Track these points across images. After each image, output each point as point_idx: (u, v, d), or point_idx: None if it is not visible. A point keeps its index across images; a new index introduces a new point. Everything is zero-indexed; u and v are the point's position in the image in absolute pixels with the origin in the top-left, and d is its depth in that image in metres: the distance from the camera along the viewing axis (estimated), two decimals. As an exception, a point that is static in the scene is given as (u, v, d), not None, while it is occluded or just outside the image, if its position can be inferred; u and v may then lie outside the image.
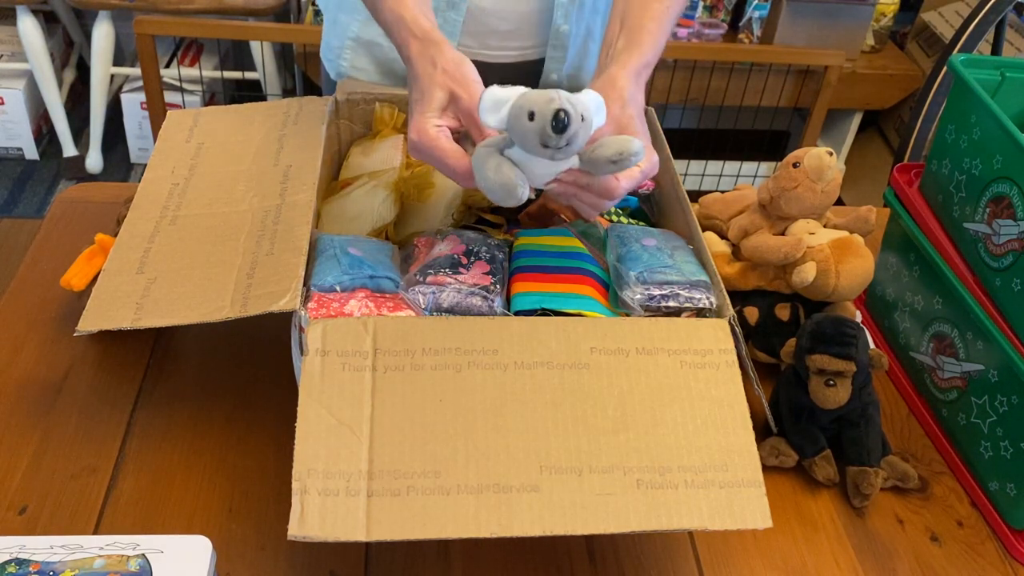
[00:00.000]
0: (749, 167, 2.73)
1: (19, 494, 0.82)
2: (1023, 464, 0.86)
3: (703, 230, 1.07)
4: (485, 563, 0.81)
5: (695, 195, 1.01)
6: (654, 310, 0.80)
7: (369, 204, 0.93)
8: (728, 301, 0.80)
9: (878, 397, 0.94)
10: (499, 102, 0.73)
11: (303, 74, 2.50)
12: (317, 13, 2.46)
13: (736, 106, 2.58)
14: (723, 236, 1.06)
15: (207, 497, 0.83)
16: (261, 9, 2.45)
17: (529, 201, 0.98)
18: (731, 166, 2.73)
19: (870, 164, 2.80)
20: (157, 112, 2.33)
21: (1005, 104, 0.93)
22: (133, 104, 2.66)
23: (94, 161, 2.72)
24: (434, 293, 0.79)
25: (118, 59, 2.69)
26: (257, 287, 0.77)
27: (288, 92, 2.82)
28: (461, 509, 0.67)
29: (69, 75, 2.85)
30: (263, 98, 2.59)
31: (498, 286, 0.81)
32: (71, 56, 2.91)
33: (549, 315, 0.79)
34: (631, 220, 0.97)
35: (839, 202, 1.03)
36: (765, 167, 2.74)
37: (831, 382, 0.87)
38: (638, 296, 0.80)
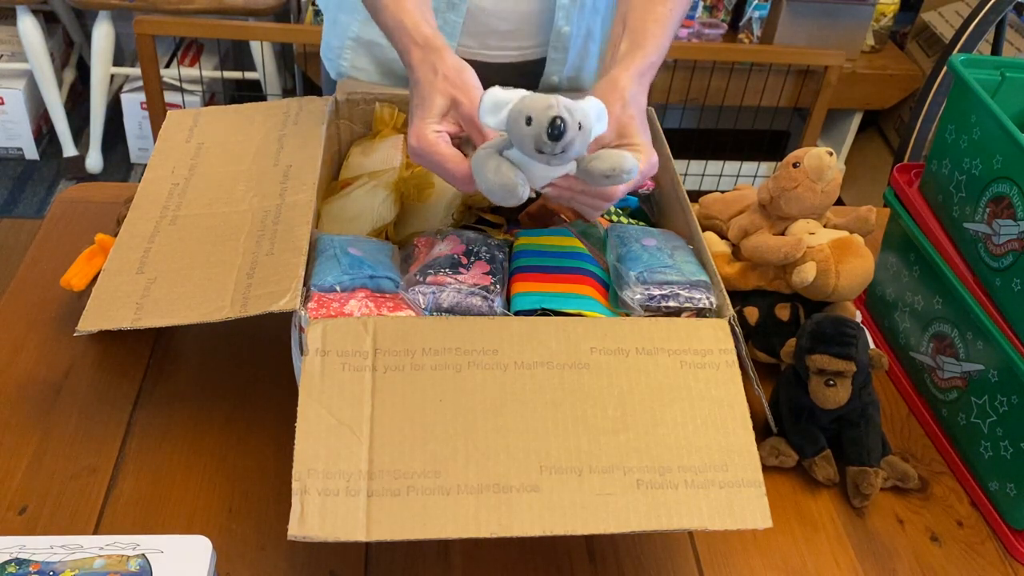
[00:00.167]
0: (749, 167, 2.73)
1: (19, 494, 0.82)
2: (1023, 464, 0.86)
3: (703, 230, 1.07)
4: (485, 563, 0.81)
5: (695, 195, 1.01)
6: (654, 310, 0.80)
7: (369, 204, 0.93)
8: (728, 301, 0.80)
9: (878, 397, 0.94)
10: (499, 104, 0.73)
11: (303, 74, 2.50)
12: (317, 13, 2.46)
13: (736, 106, 2.58)
14: (723, 236, 1.06)
15: (207, 497, 0.83)
16: (261, 9, 2.45)
17: (529, 201, 0.98)
18: (731, 166, 2.73)
19: (870, 164, 2.80)
20: (157, 112, 2.33)
21: (1005, 104, 0.93)
22: (133, 104, 2.66)
23: (94, 161, 2.72)
24: (434, 293, 0.79)
25: (118, 59, 2.69)
26: (257, 287, 0.77)
27: (288, 92, 2.82)
28: (461, 509, 0.67)
29: (69, 75, 2.85)
30: (263, 98, 2.59)
31: (498, 286, 0.81)
32: (71, 56, 2.91)
33: (549, 315, 0.79)
34: (631, 220, 0.97)
35: (839, 202, 1.03)
36: (765, 167, 2.74)
37: (831, 382, 0.87)
38: (638, 296, 0.80)
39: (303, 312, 0.74)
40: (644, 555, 0.83)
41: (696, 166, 2.72)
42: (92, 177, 2.73)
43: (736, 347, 0.76)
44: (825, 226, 1.00)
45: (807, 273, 0.93)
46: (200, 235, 0.85)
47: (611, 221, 0.95)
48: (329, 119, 0.98)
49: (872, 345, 0.95)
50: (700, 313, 0.81)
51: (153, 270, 0.82)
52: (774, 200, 0.98)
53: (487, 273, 0.82)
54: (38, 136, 2.78)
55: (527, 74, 1.11)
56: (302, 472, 0.67)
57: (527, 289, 0.81)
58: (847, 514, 0.89)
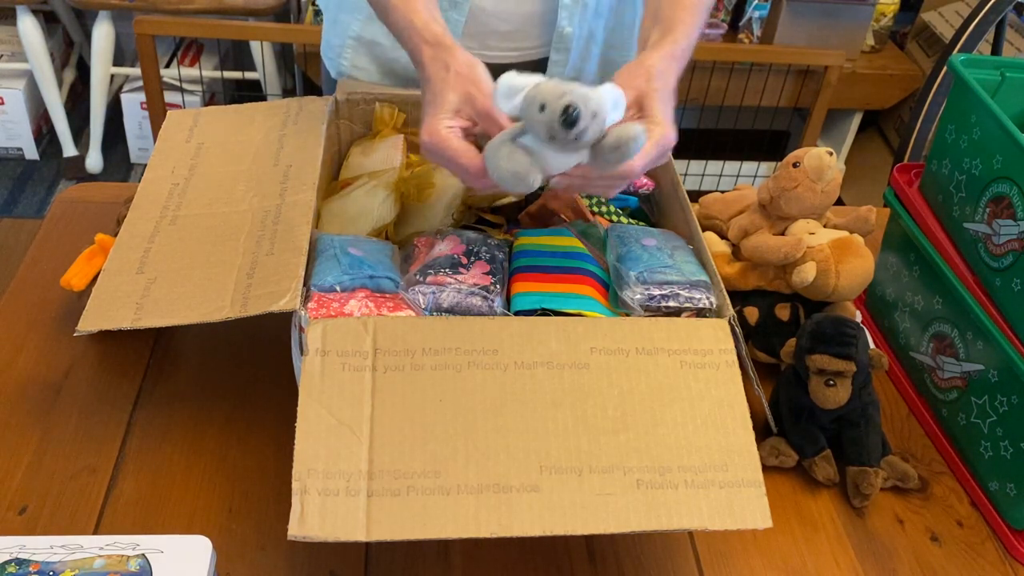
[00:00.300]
0: (749, 167, 2.73)
1: (19, 494, 0.82)
2: (1023, 464, 0.86)
3: (703, 230, 1.07)
4: (485, 563, 0.81)
5: (695, 195, 1.01)
6: (654, 310, 0.80)
7: (369, 204, 0.93)
8: (728, 301, 0.80)
9: (878, 397, 0.94)
10: (514, 89, 0.73)
11: (303, 74, 2.50)
12: (317, 13, 2.46)
13: (736, 106, 2.58)
14: (723, 236, 1.06)
15: (207, 497, 0.83)
16: (261, 9, 2.45)
17: (529, 201, 0.99)
18: (731, 166, 2.73)
19: (870, 164, 2.80)
20: (157, 112, 2.33)
21: (1005, 104, 0.93)
22: (133, 104, 2.66)
23: (94, 161, 2.72)
24: (434, 293, 0.79)
25: (118, 59, 2.69)
26: (257, 287, 0.77)
27: (288, 92, 2.82)
28: (461, 509, 0.67)
29: (69, 75, 2.85)
30: (263, 98, 2.59)
31: (498, 286, 0.81)
32: (71, 56, 2.91)
33: (549, 315, 0.79)
34: (631, 220, 0.97)
35: (839, 202, 1.03)
36: (765, 167, 2.74)
37: (831, 382, 0.87)
38: (638, 296, 0.80)
39: (303, 312, 0.74)
40: (644, 555, 0.83)
41: (696, 166, 2.72)
42: (92, 177, 2.73)
43: (736, 347, 0.76)
44: (825, 226, 1.00)
45: (807, 273, 0.93)
46: (200, 235, 0.85)
47: (611, 221, 0.95)
48: (329, 119, 0.98)
49: (872, 345, 0.95)
50: (700, 313, 0.81)
51: (153, 270, 0.82)
52: (774, 200, 0.98)
53: (487, 273, 0.82)
54: (38, 136, 2.78)
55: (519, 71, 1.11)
56: (302, 472, 0.67)
57: (527, 289, 0.81)
58: (847, 514, 0.89)
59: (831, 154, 0.96)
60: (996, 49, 2.06)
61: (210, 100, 2.72)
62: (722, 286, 0.82)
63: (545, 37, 1.09)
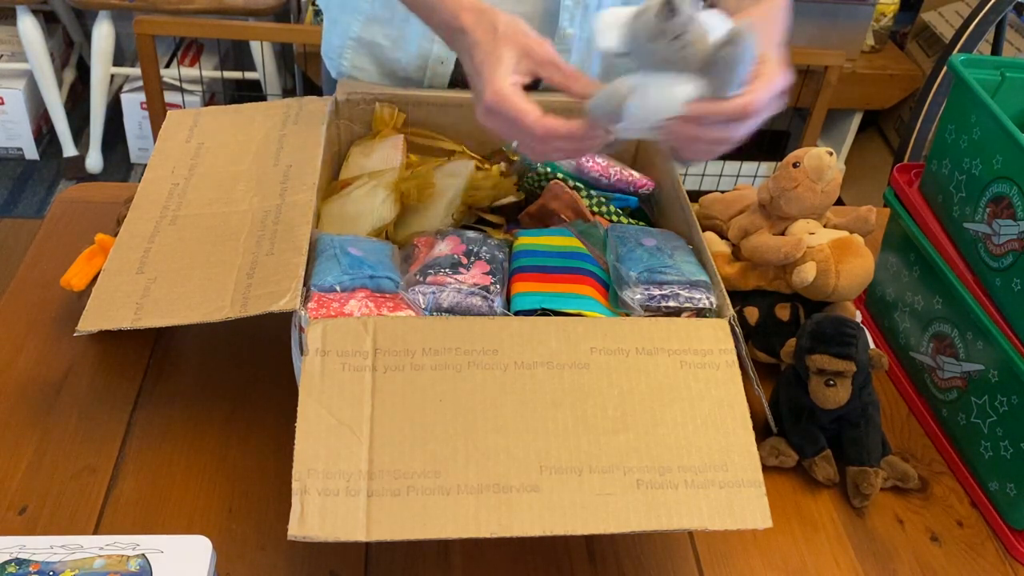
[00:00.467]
0: (749, 167, 2.73)
1: (19, 494, 0.82)
2: (1023, 464, 0.86)
3: (703, 230, 1.07)
4: (485, 563, 0.81)
5: (695, 195, 1.01)
6: (654, 310, 0.80)
7: (369, 204, 0.93)
8: (728, 301, 0.80)
9: (878, 397, 0.94)
10: (612, 22, 0.70)
11: (303, 74, 2.50)
12: (317, 13, 2.46)
13: (736, 106, 2.58)
14: (723, 236, 1.06)
15: (207, 497, 0.83)
16: (261, 9, 2.45)
17: (529, 201, 0.99)
18: (731, 166, 2.73)
19: (870, 164, 2.80)
20: (157, 112, 2.33)
21: (1005, 104, 0.93)
22: (133, 104, 2.66)
23: (94, 161, 2.72)
24: (434, 293, 0.79)
25: (118, 59, 2.69)
26: (257, 287, 0.77)
27: (288, 92, 2.82)
28: (461, 509, 0.67)
29: (69, 75, 2.85)
30: (263, 98, 2.59)
31: (498, 286, 0.81)
32: (71, 56, 2.91)
33: (549, 315, 0.78)
34: (631, 220, 0.97)
35: (839, 202, 1.03)
36: (765, 167, 2.74)
37: (831, 382, 0.87)
38: (638, 296, 0.80)
39: (303, 312, 0.74)
40: (644, 555, 0.83)
41: (696, 166, 2.72)
42: (92, 177, 2.73)
43: (736, 347, 0.76)
44: (825, 226, 1.00)
45: (807, 273, 0.93)
46: (200, 235, 0.85)
47: (611, 221, 0.95)
48: (329, 119, 0.98)
49: (872, 345, 0.95)
50: (700, 313, 0.81)
51: (153, 270, 0.82)
52: (774, 200, 0.98)
53: (487, 273, 0.82)
54: (38, 136, 2.78)
55: None
56: (302, 472, 0.67)
57: (527, 289, 0.81)
58: (847, 514, 0.89)
59: (831, 154, 0.96)
60: (996, 49, 2.06)
61: (210, 100, 2.72)
62: (722, 286, 0.82)
63: (545, 36, 1.09)
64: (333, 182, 1.00)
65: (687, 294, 0.81)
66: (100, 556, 0.64)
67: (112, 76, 2.62)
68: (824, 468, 0.90)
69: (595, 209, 0.95)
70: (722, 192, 1.10)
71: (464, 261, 0.82)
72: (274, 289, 0.76)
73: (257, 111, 1.01)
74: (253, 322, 0.75)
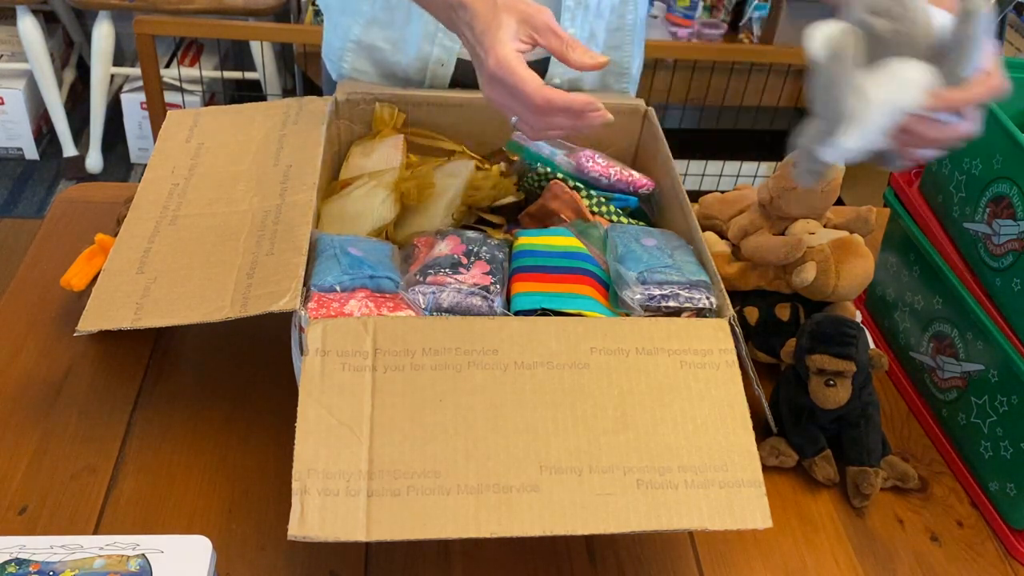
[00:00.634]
0: (749, 167, 2.73)
1: (19, 494, 0.82)
2: (1023, 464, 0.86)
3: (703, 230, 1.07)
4: (485, 563, 0.81)
5: (695, 195, 1.01)
6: (654, 310, 0.80)
7: (369, 204, 0.93)
8: (728, 301, 0.80)
9: (878, 397, 0.94)
10: (827, 35, 0.66)
11: (303, 74, 2.50)
12: (317, 13, 2.46)
13: (736, 106, 2.58)
14: (723, 236, 1.06)
15: (207, 497, 0.83)
16: (261, 9, 2.45)
17: (529, 201, 0.99)
18: (731, 166, 2.73)
19: (870, 164, 2.80)
20: (157, 112, 2.33)
21: (1005, 104, 0.93)
22: (133, 104, 2.66)
23: (94, 161, 2.72)
24: (434, 293, 0.79)
25: (118, 59, 2.69)
26: (257, 287, 0.77)
27: (288, 92, 2.82)
28: (461, 509, 0.67)
29: (69, 75, 2.85)
30: (263, 98, 2.59)
31: (498, 286, 0.81)
32: (71, 56, 2.91)
33: (549, 315, 0.78)
34: (631, 220, 0.97)
35: (839, 202, 1.03)
36: (765, 167, 2.74)
37: (831, 382, 0.87)
38: (638, 296, 0.80)
39: (303, 312, 0.74)
40: (644, 555, 0.83)
41: (696, 166, 2.72)
42: (92, 177, 2.73)
43: (736, 347, 0.76)
44: (825, 226, 1.00)
45: (807, 273, 0.93)
46: (200, 235, 0.85)
47: (611, 221, 0.95)
48: (329, 119, 0.98)
49: (872, 345, 0.95)
50: (700, 313, 0.81)
51: (153, 270, 0.82)
52: (774, 200, 0.98)
53: (487, 273, 0.82)
54: (38, 136, 2.78)
55: None
56: (302, 472, 0.67)
57: (527, 289, 0.81)
58: (847, 514, 0.89)
59: None
60: (996, 49, 2.06)
61: (210, 100, 2.72)
62: (722, 286, 0.82)
63: None
64: (333, 182, 1.00)
65: (687, 294, 0.81)
66: (100, 556, 0.64)
67: (112, 76, 2.62)
68: (824, 468, 0.90)
69: (595, 209, 0.95)
70: (722, 192, 1.10)
71: (464, 261, 0.82)
72: (274, 289, 0.76)
73: (257, 111, 1.01)
74: (253, 322, 0.75)
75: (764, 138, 2.78)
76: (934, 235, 0.98)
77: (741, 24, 2.59)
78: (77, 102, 2.89)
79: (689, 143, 2.74)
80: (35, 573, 0.63)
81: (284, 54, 2.75)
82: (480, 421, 0.70)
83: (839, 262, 0.94)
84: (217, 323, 0.75)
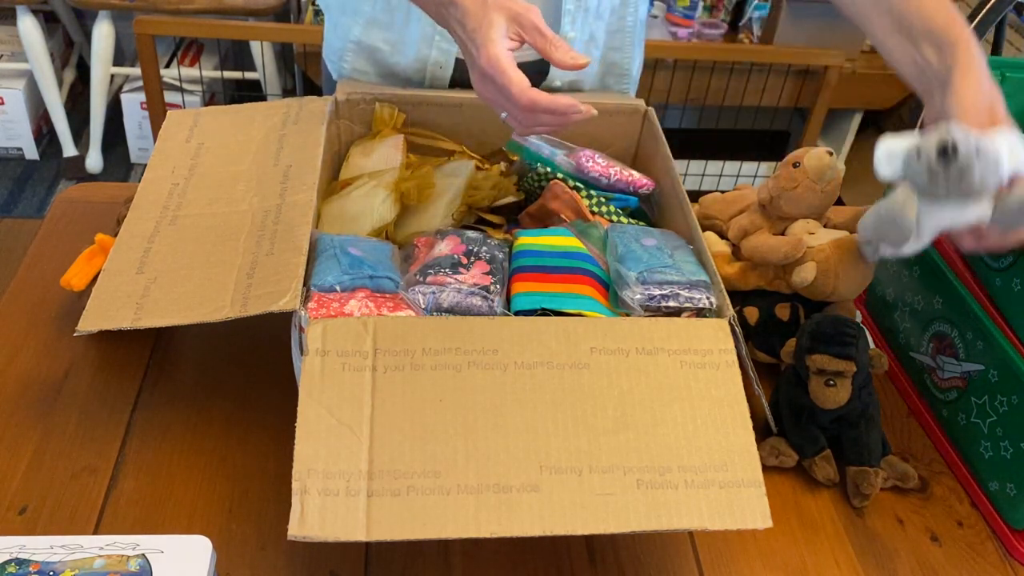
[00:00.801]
0: (749, 167, 2.73)
1: (19, 494, 0.82)
2: (1023, 464, 0.86)
3: (703, 230, 1.07)
4: (485, 563, 0.81)
5: (695, 195, 1.01)
6: (654, 310, 0.80)
7: (369, 204, 0.93)
8: (728, 301, 0.80)
9: (878, 397, 0.94)
10: (893, 152, 0.71)
11: (303, 74, 2.50)
12: (317, 13, 2.46)
13: (736, 106, 2.58)
14: (723, 236, 1.06)
15: (207, 497, 0.83)
16: (261, 9, 2.45)
17: (529, 201, 0.99)
18: (731, 166, 2.73)
19: (870, 164, 2.80)
20: (157, 112, 2.33)
21: (1005, 104, 0.93)
22: (133, 104, 2.66)
23: (94, 161, 2.72)
24: (434, 293, 0.79)
25: (118, 59, 2.69)
26: (257, 287, 0.77)
27: (288, 92, 2.82)
28: (461, 509, 0.67)
29: (69, 75, 2.85)
30: (263, 98, 2.59)
31: (498, 286, 0.81)
32: (71, 56, 2.91)
33: (549, 315, 0.79)
34: (631, 220, 0.97)
35: (839, 202, 1.03)
36: (765, 167, 2.74)
37: (831, 382, 0.87)
38: (638, 296, 0.80)
39: (303, 312, 0.74)
40: (644, 555, 0.83)
41: (696, 166, 2.72)
42: (92, 177, 2.73)
43: (736, 347, 0.76)
44: (825, 226, 1.00)
45: (807, 273, 0.93)
46: (200, 235, 0.85)
47: (611, 221, 0.95)
48: (329, 119, 0.98)
49: (872, 345, 0.95)
50: (700, 313, 0.81)
51: (153, 270, 0.82)
52: (774, 200, 0.98)
53: (487, 273, 0.82)
54: (38, 136, 2.78)
55: (526, 73, 1.11)
56: (302, 472, 0.67)
57: (527, 289, 0.81)
58: (847, 514, 0.89)
59: (831, 154, 0.96)
60: (996, 49, 2.06)
61: (210, 100, 2.73)
62: (722, 286, 0.82)
63: None
64: (333, 182, 1.00)
65: (687, 294, 0.81)
66: (100, 556, 0.64)
67: (112, 76, 2.62)
68: (824, 468, 0.90)
69: (595, 209, 0.95)
70: (722, 192, 1.10)
71: (464, 261, 0.82)
72: (274, 289, 0.76)
73: (257, 111, 1.01)
74: (253, 322, 0.75)
75: (764, 138, 2.78)
76: (934, 235, 0.98)
77: (741, 24, 2.59)
78: (77, 102, 2.89)
79: (689, 143, 2.74)
80: (35, 573, 0.63)
81: (284, 54, 2.76)
82: (480, 421, 0.70)
83: (839, 262, 0.94)
84: (217, 323, 0.75)
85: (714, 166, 2.73)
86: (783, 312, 0.99)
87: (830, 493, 0.91)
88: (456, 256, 0.83)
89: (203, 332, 0.99)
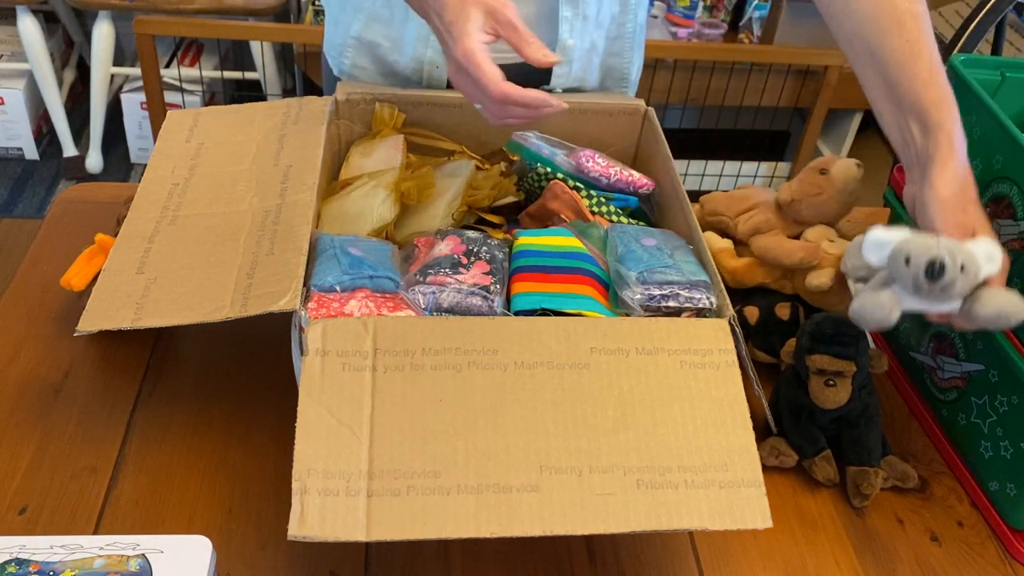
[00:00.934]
0: (749, 167, 2.73)
1: (19, 494, 0.82)
2: (1023, 464, 0.86)
3: (709, 226, 1.07)
4: (485, 563, 0.81)
5: (695, 195, 1.01)
6: (654, 310, 0.80)
7: (369, 204, 0.93)
8: (728, 301, 0.80)
9: (878, 397, 0.94)
10: (882, 243, 0.76)
11: (303, 74, 2.50)
12: (317, 13, 2.46)
13: (736, 106, 2.58)
14: (726, 234, 1.06)
15: (207, 497, 0.83)
16: (261, 9, 2.45)
17: (529, 201, 0.99)
18: (731, 166, 2.73)
19: (870, 164, 2.79)
20: (157, 112, 2.33)
21: (1005, 104, 0.93)
22: (133, 104, 2.66)
23: (94, 161, 2.72)
24: (434, 293, 0.79)
25: (118, 59, 2.69)
26: (257, 287, 0.77)
27: (288, 92, 2.82)
28: (461, 509, 0.67)
29: (69, 75, 2.85)
30: (263, 98, 2.59)
31: (498, 286, 0.81)
32: (71, 56, 2.91)
33: (549, 315, 0.78)
34: (631, 220, 0.97)
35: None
36: (765, 167, 2.74)
37: (831, 382, 0.87)
38: (638, 296, 0.80)
39: (303, 312, 0.74)
40: (644, 555, 0.83)
41: (696, 166, 2.72)
42: (92, 177, 2.73)
43: (736, 347, 0.76)
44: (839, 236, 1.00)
45: (825, 279, 0.93)
46: (200, 235, 0.85)
47: (611, 221, 0.95)
48: (329, 119, 0.98)
49: (872, 345, 0.95)
50: (700, 313, 0.81)
51: (153, 270, 0.82)
52: (794, 203, 0.98)
53: (487, 273, 0.82)
54: (38, 136, 2.78)
55: (526, 75, 1.11)
56: (302, 472, 0.67)
57: (527, 289, 0.81)
58: (847, 514, 0.89)
59: (859, 166, 0.96)
60: (996, 49, 2.06)
61: (210, 100, 2.73)
62: (722, 286, 0.82)
63: (542, 40, 1.09)
64: (333, 182, 1.00)
65: (687, 294, 0.81)
66: (100, 556, 0.64)
67: (112, 76, 2.62)
68: (824, 468, 0.90)
69: (595, 209, 0.95)
70: (723, 192, 1.10)
71: (464, 261, 0.82)
72: (274, 289, 0.76)
73: (257, 111, 1.01)
74: (253, 322, 0.75)
75: (764, 138, 2.78)
76: (934, 235, 0.97)
77: (741, 24, 2.59)
78: (77, 102, 2.89)
79: (689, 143, 2.74)
80: (35, 573, 0.63)
81: (284, 54, 2.76)
82: (480, 421, 0.70)
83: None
84: (217, 323, 0.75)
85: (714, 166, 2.73)
86: (783, 312, 0.99)
87: (830, 493, 0.91)
88: (456, 256, 0.83)
89: (203, 332, 0.99)
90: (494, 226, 0.96)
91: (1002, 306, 0.74)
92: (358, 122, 1.04)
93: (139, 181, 0.93)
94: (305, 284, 0.77)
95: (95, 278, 0.92)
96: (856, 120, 2.71)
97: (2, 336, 0.96)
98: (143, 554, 0.64)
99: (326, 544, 0.65)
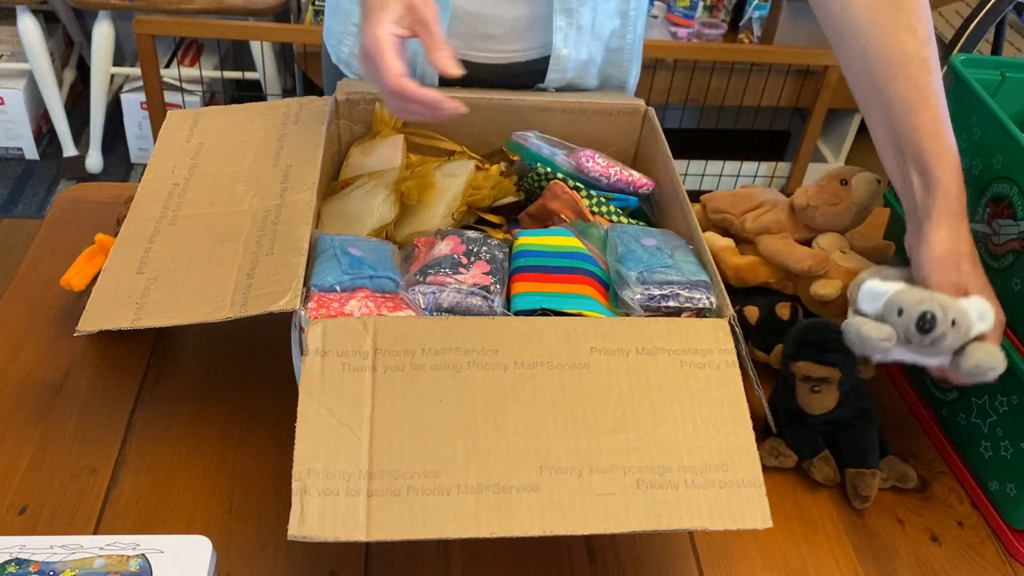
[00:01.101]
0: (749, 167, 2.73)
1: (19, 494, 0.82)
2: (1023, 464, 0.86)
3: (713, 224, 1.06)
4: (485, 563, 0.81)
5: (695, 195, 1.01)
6: (654, 310, 0.80)
7: (369, 204, 0.93)
8: (728, 301, 0.80)
9: (875, 398, 0.94)
10: (876, 294, 0.78)
11: (303, 74, 2.51)
12: (317, 13, 2.46)
13: (736, 106, 2.58)
14: (728, 233, 1.06)
15: (207, 497, 0.83)
16: (261, 9, 2.45)
17: (529, 201, 0.99)
18: (731, 166, 2.73)
19: (870, 164, 2.80)
20: (157, 112, 2.33)
21: (1005, 104, 0.93)
22: (133, 104, 2.66)
23: (94, 161, 2.72)
24: (434, 293, 0.79)
25: (118, 59, 2.69)
26: (257, 287, 0.77)
27: (288, 92, 2.82)
28: (461, 509, 0.67)
29: (69, 75, 2.85)
30: (263, 98, 2.59)
31: (498, 286, 0.81)
32: (71, 56, 2.91)
33: (549, 315, 0.79)
34: (631, 220, 0.97)
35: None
36: (765, 167, 2.74)
37: (816, 388, 0.87)
38: (638, 296, 0.80)
39: (303, 312, 0.74)
40: (644, 555, 0.83)
41: (696, 166, 2.72)
42: (92, 177, 2.73)
43: (736, 347, 0.76)
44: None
45: (831, 289, 0.94)
46: (200, 235, 0.85)
47: (611, 221, 0.95)
48: (329, 119, 0.98)
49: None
50: (700, 313, 0.81)
51: (153, 270, 0.82)
52: (809, 209, 0.98)
53: (487, 273, 0.82)
54: (38, 136, 2.78)
55: (518, 75, 1.11)
56: (302, 472, 0.67)
57: (527, 289, 0.81)
58: (847, 514, 0.89)
59: (880, 182, 0.97)
60: (996, 49, 2.06)
61: (210, 100, 2.73)
62: (722, 286, 0.82)
63: (535, 42, 1.09)
64: (333, 182, 1.00)
65: (687, 294, 0.81)
66: (100, 556, 0.64)
67: (112, 76, 2.62)
68: (823, 469, 0.90)
69: (595, 209, 0.95)
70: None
71: (464, 261, 0.82)
72: (274, 289, 0.76)
73: (257, 111, 1.01)
74: (253, 322, 0.75)
75: (764, 138, 2.78)
76: (934, 235, 0.97)
77: (741, 24, 2.59)
78: (77, 102, 2.89)
79: (689, 143, 2.74)
80: (35, 573, 0.63)
81: (284, 54, 2.76)
82: (480, 421, 0.70)
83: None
84: (217, 323, 0.75)
85: (714, 166, 2.73)
86: (783, 311, 0.99)
87: (830, 493, 0.91)
88: (456, 256, 0.83)
89: (203, 332, 0.99)
90: (494, 226, 0.96)
91: (980, 359, 0.76)
92: (358, 122, 1.04)
93: (139, 181, 0.93)
94: (305, 284, 0.77)
95: (95, 278, 0.92)
96: (856, 120, 2.71)
97: (2, 336, 0.96)
98: (143, 554, 0.64)
99: (326, 544, 0.65)
